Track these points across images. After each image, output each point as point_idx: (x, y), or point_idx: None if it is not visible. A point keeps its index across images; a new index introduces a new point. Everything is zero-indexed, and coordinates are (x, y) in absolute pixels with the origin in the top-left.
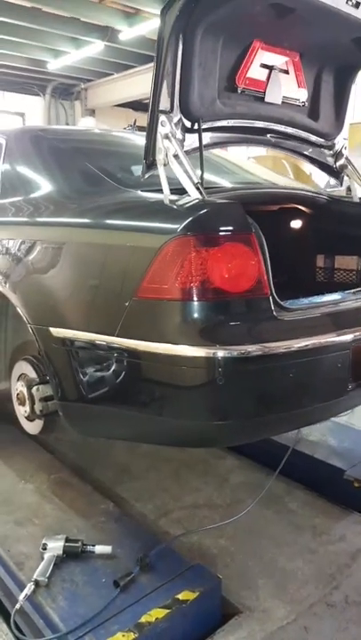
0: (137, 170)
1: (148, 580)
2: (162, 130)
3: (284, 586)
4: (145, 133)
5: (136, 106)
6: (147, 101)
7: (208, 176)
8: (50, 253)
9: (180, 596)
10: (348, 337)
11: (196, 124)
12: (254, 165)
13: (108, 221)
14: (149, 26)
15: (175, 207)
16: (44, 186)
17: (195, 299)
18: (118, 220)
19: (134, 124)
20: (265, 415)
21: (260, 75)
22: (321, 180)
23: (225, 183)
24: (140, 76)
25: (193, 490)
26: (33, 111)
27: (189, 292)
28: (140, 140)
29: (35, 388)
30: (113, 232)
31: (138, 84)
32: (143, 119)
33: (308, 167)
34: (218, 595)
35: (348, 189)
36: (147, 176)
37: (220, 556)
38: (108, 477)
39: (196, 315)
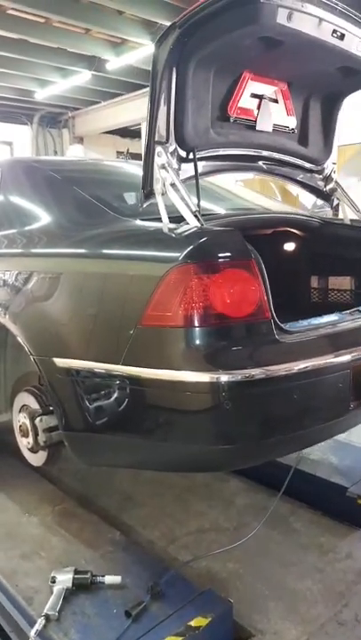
0: (133, 198)
1: (160, 608)
2: (158, 160)
3: (295, 606)
4: (139, 162)
5: (123, 133)
6: (134, 128)
7: (202, 203)
8: (52, 284)
9: (193, 623)
10: (347, 357)
11: (191, 154)
12: (245, 190)
13: (110, 251)
14: (136, 55)
15: (175, 235)
16: (43, 217)
17: (198, 325)
18: (120, 249)
19: (127, 152)
20: (270, 437)
21: (251, 104)
22: (308, 201)
23: (219, 210)
24: (128, 103)
25: (198, 514)
26: (21, 140)
27: (192, 318)
28: (133, 168)
29: (38, 419)
30: (115, 261)
31: (125, 111)
32: (131, 146)
33: (294, 189)
34: (230, 619)
35: (336, 209)
36: (145, 205)
37: (229, 579)
38: (112, 506)
39: (199, 340)
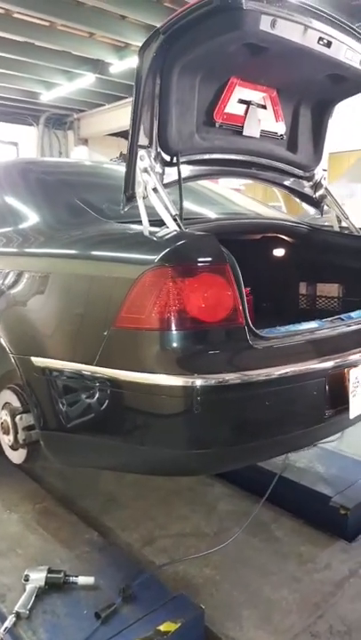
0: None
1: (131, 610)
2: (141, 164)
3: (269, 616)
4: None
5: (127, 135)
6: None
7: (193, 207)
8: (29, 284)
9: (162, 628)
10: (323, 365)
11: (175, 158)
12: (240, 196)
13: (87, 252)
14: None
15: (153, 238)
16: (30, 217)
17: (171, 328)
18: (97, 250)
19: (121, 155)
20: (243, 443)
21: (238, 110)
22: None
23: (210, 214)
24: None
25: (180, 518)
26: (26, 141)
27: (166, 321)
28: (120, 172)
29: (18, 417)
30: (91, 262)
31: (129, 114)
32: None
33: None
34: (201, 625)
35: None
36: (126, 209)
37: (205, 585)
38: (94, 507)
39: (172, 344)
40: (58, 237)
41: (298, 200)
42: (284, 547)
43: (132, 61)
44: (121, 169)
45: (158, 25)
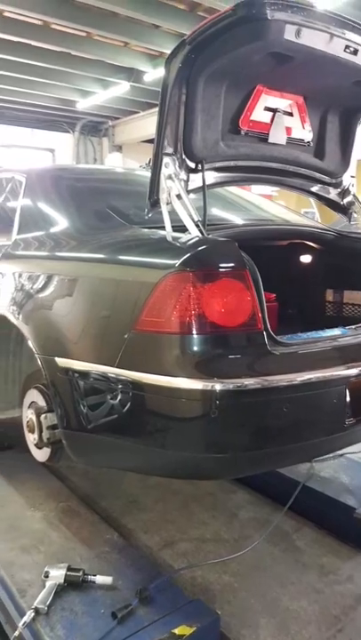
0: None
1: (147, 612)
2: (165, 171)
3: (287, 626)
4: None
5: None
6: None
7: (221, 213)
8: (58, 286)
9: (177, 631)
10: (345, 372)
11: (200, 165)
12: (269, 203)
13: (112, 256)
14: None
15: (175, 244)
16: (58, 222)
17: (190, 332)
18: (122, 255)
19: (149, 162)
20: (260, 448)
21: (264, 117)
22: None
23: (237, 220)
24: None
25: (201, 523)
26: (63, 147)
27: (185, 325)
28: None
29: (43, 416)
30: (116, 267)
31: None
32: None
33: None
34: (216, 631)
35: None
36: (150, 214)
37: (222, 591)
38: (116, 508)
39: (191, 348)
40: (86, 242)
41: (325, 206)
42: (305, 557)
43: None
44: (148, 175)
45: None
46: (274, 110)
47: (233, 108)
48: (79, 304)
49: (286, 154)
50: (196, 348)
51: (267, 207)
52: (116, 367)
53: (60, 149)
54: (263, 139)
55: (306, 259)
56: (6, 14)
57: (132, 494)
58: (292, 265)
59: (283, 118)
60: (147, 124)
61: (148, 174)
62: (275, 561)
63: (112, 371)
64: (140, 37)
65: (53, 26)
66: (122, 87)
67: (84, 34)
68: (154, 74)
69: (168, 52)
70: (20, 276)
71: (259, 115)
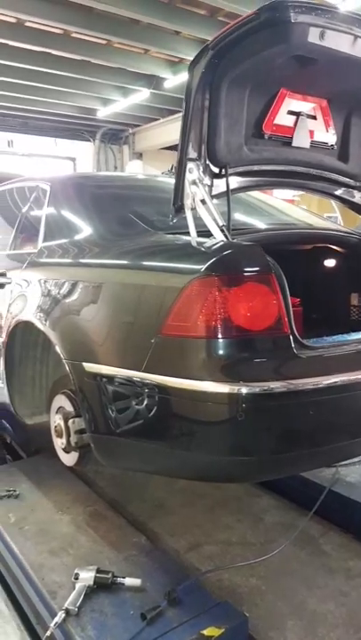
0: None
1: (175, 614)
2: (189, 176)
3: (314, 628)
4: None
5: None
6: None
7: (244, 218)
8: (82, 292)
9: (206, 632)
10: None
11: (223, 170)
12: (292, 207)
13: (137, 262)
14: None
15: (200, 249)
16: (83, 229)
17: (216, 336)
18: (147, 260)
19: (172, 169)
20: (286, 452)
21: (288, 121)
22: None
23: (260, 225)
24: None
25: (226, 527)
26: (83, 156)
27: (211, 329)
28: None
29: (71, 421)
30: (141, 272)
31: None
32: None
33: None
34: (244, 633)
35: None
36: (175, 220)
37: (250, 594)
38: (142, 511)
39: (217, 351)
40: (110, 248)
41: (349, 209)
42: (332, 561)
43: (185, 76)
44: (170, 182)
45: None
46: (297, 114)
47: (256, 112)
48: (105, 310)
49: (310, 157)
50: (222, 352)
51: (289, 211)
52: (143, 371)
53: (81, 158)
54: (287, 142)
55: (330, 262)
56: (28, 24)
57: (157, 498)
58: (317, 269)
59: (306, 121)
60: (167, 130)
61: (170, 180)
62: (301, 565)
63: (139, 375)
64: (160, 44)
65: (74, 34)
66: (142, 94)
67: (104, 42)
68: (174, 80)
69: (189, 58)
70: (47, 283)
71: (282, 118)
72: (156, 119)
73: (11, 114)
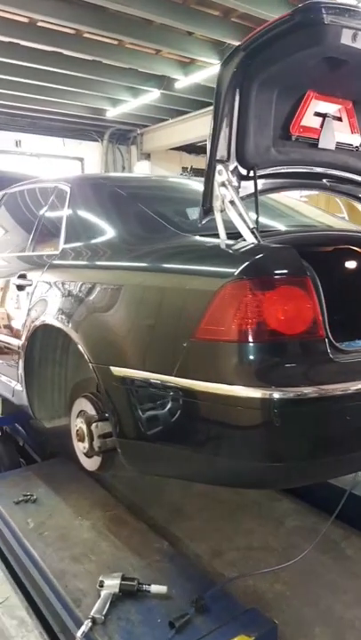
0: (193, 215)
1: (203, 622)
2: (219, 178)
3: (342, 635)
4: (201, 179)
5: (189, 149)
6: (200, 144)
7: (263, 220)
8: (112, 296)
9: None
10: None
11: (252, 172)
12: (308, 207)
13: (167, 265)
14: (204, 74)
15: (232, 251)
16: (108, 231)
17: (251, 340)
18: (177, 263)
19: (190, 169)
20: (319, 458)
21: (314, 122)
22: None
23: (279, 226)
24: (195, 120)
25: (247, 532)
26: (91, 156)
27: (246, 333)
28: (195, 185)
29: (94, 425)
30: (172, 275)
31: (192, 128)
32: (195, 161)
33: None
34: None
35: None
36: (204, 222)
37: (275, 600)
38: (161, 516)
39: (252, 356)
40: (137, 251)
41: None
42: (355, 565)
43: (197, 77)
44: (192, 183)
45: (225, 40)
46: (323, 115)
47: (284, 114)
48: (134, 313)
49: (335, 159)
50: (256, 357)
51: (307, 212)
52: (175, 376)
53: (89, 158)
54: (313, 144)
55: (352, 264)
56: (40, 24)
57: (175, 503)
58: (337, 271)
59: (332, 123)
60: (176, 131)
61: (192, 182)
62: (325, 569)
63: (170, 379)
64: (172, 44)
65: (86, 35)
66: (152, 95)
67: (116, 42)
68: (185, 81)
69: (201, 58)
70: (72, 285)
71: (309, 120)
72: (165, 119)
73: (19, 114)
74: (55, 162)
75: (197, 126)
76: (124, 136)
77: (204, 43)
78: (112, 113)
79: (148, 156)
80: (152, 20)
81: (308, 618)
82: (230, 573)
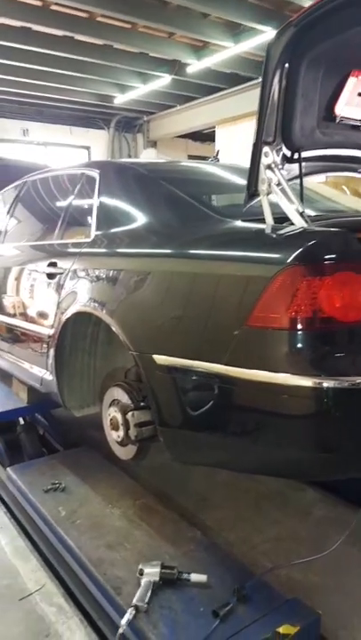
0: (229, 200)
1: (246, 611)
2: (265, 160)
3: None
4: (230, 164)
5: (195, 136)
6: (207, 131)
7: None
8: (158, 284)
9: (281, 630)
10: None
11: (296, 154)
12: (334, 192)
13: (213, 252)
14: (217, 58)
15: (283, 237)
16: (145, 218)
17: (306, 328)
18: (226, 250)
19: (217, 154)
20: None
21: (358, 103)
22: None
23: (310, 211)
24: (203, 106)
25: (275, 522)
26: (98, 144)
27: (300, 321)
28: (227, 170)
29: (130, 414)
30: (221, 262)
31: (200, 114)
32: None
33: None
34: (317, 631)
35: None
36: (248, 206)
37: (311, 591)
38: (188, 505)
39: (306, 344)
40: (178, 237)
41: None
42: None
43: (209, 61)
44: (224, 167)
45: (241, 22)
46: None
47: (328, 94)
48: (180, 301)
49: None
50: (312, 345)
51: (334, 197)
52: (225, 364)
53: (96, 147)
54: (356, 126)
55: None
56: (53, 7)
57: (200, 492)
58: None
59: None
60: (183, 118)
61: (224, 166)
62: (355, 560)
63: (219, 368)
64: (187, 27)
65: (99, 18)
66: (162, 80)
67: (129, 25)
68: (198, 65)
69: (214, 42)
70: (113, 273)
71: (353, 101)
72: (173, 106)
73: (27, 102)
74: (62, 150)
75: (204, 113)
76: (130, 124)
77: (219, 25)
78: (120, 100)
79: (154, 144)
80: (168, 2)
81: (345, 609)
82: (264, 563)
